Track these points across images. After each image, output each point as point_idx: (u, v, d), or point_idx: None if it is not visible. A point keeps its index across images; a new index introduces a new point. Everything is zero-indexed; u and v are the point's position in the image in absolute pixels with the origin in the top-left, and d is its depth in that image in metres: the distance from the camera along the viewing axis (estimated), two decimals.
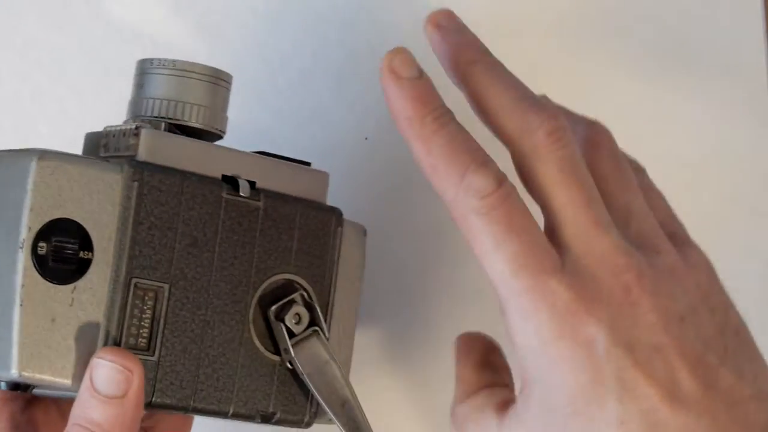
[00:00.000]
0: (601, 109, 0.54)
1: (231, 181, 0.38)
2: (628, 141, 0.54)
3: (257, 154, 0.40)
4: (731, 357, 0.36)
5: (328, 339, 0.39)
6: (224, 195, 0.38)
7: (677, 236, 0.39)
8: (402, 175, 0.50)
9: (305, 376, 0.38)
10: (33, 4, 0.48)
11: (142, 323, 0.36)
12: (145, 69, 0.41)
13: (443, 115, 0.36)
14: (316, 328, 0.39)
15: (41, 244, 0.35)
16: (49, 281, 0.35)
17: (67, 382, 0.35)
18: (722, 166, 0.55)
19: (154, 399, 0.36)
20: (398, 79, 0.36)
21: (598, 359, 0.34)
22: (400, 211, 0.51)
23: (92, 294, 0.36)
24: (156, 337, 0.36)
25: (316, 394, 0.38)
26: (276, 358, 0.38)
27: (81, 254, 0.36)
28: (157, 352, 0.36)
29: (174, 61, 0.40)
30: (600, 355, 0.34)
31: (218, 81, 0.41)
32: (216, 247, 0.38)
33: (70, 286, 0.35)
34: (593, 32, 0.54)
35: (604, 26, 0.54)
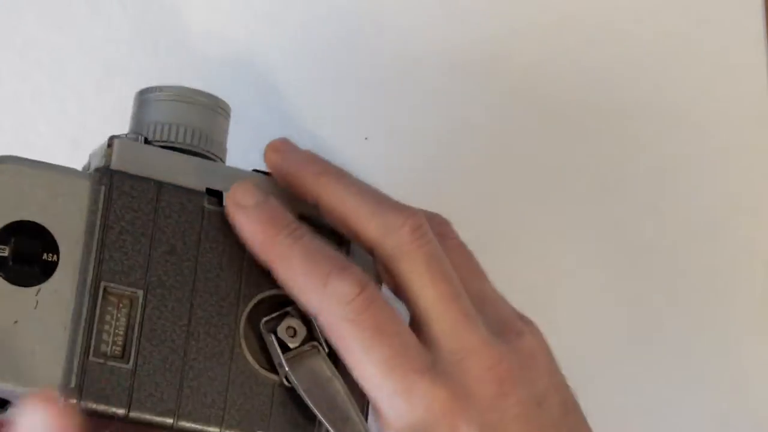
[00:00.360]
0: (600, 109, 0.55)
1: (215, 194, 0.38)
2: (628, 140, 0.54)
3: (252, 172, 0.40)
4: None
5: (328, 353, 0.37)
6: (206, 206, 0.37)
7: (520, 314, 0.39)
8: (402, 176, 0.50)
9: (303, 391, 0.36)
10: (33, 4, 0.48)
11: (116, 330, 0.35)
12: (139, 97, 0.40)
13: (295, 231, 0.36)
14: (315, 342, 0.37)
15: (1, 246, 0.34)
16: (10, 283, 0.34)
17: (27, 389, 0.33)
18: (722, 166, 0.55)
19: (131, 411, 0.35)
20: (243, 209, 0.36)
21: None
22: None
23: (58, 297, 0.34)
24: (131, 345, 0.35)
25: (315, 410, 0.36)
26: (274, 377, 0.37)
27: (45, 256, 0.35)
28: (132, 360, 0.35)
29: (168, 87, 0.40)
30: None
31: (215, 108, 0.40)
32: (198, 257, 0.36)
33: (34, 289, 0.34)
34: (593, 32, 0.54)
35: (604, 26, 0.54)
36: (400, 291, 0.37)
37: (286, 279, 0.36)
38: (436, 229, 0.38)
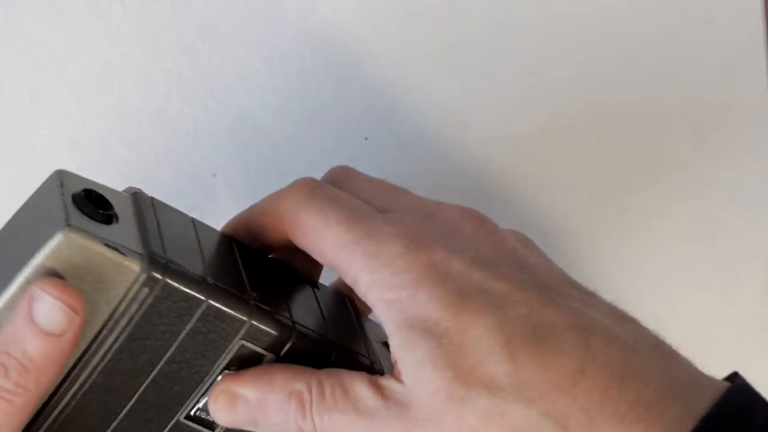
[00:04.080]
0: (600, 110, 0.55)
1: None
2: (627, 140, 0.54)
3: None
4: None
5: None
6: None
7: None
8: (402, 176, 0.50)
9: None
10: (33, 4, 0.48)
11: None
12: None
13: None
14: None
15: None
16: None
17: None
18: (722, 166, 0.55)
19: None
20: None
21: (454, 276, 0.34)
22: None
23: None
24: None
25: None
26: None
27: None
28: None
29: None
30: (456, 272, 0.34)
31: None
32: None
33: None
34: (593, 32, 0.54)
35: (604, 27, 0.54)
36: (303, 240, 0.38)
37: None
38: (336, 178, 0.40)
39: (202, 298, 0.35)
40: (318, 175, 0.40)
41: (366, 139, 0.52)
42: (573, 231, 0.53)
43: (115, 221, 0.35)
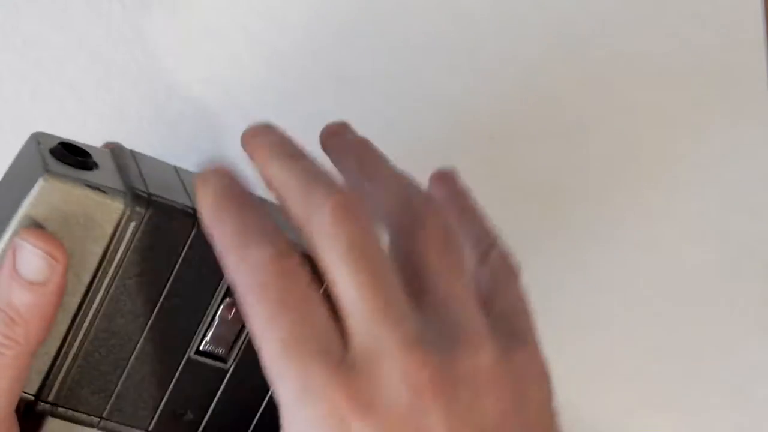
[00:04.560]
0: (600, 109, 0.55)
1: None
2: (627, 140, 0.54)
3: None
4: None
5: None
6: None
7: (515, 333, 0.33)
8: None
9: None
10: (33, 4, 0.48)
11: None
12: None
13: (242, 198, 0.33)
14: None
15: None
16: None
17: None
18: (722, 166, 0.55)
19: None
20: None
21: None
22: None
23: None
24: None
25: None
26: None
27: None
28: None
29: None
30: None
31: None
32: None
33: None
34: (593, 33, 0.54)
35: (604, 27, 0.54)
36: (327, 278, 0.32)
37: (216, 237, 0.33)
38: (417, 208, 0.34)
39: (190, 227, 0.35)
40: None
41: None
42: (573, 231, 0.53)
43: (95, 168, 0.36)
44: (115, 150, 0.38)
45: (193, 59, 0.50)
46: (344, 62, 0.52)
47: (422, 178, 0.51)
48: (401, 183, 0.36)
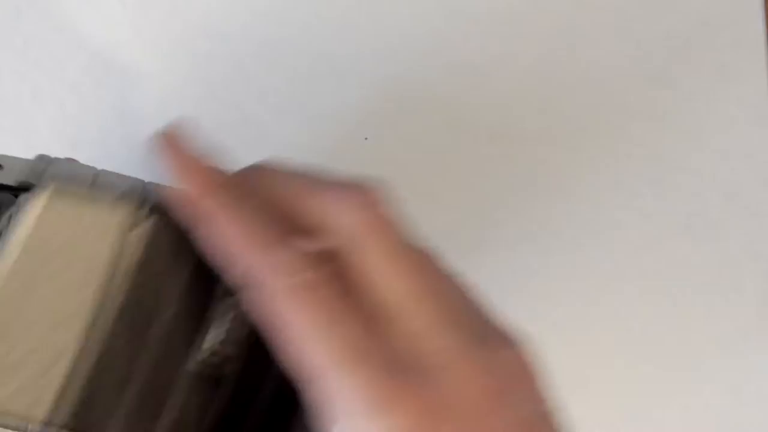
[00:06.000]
0: (600, 109, 0.55)
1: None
2: (628, 139, 0.54)
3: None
4: None
5: None
6: None
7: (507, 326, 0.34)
8: (402, 176, 0.50)
9: None
10: (33, 4, 0.48)
11: None
12: None
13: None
14: None
15: None
16: None
17: None
18: (722, 166, 0.55)
19: None
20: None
21: None
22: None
23: None
24: None
25: None
26: None
27: None
28: None
29: None
30: None
31: None
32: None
33: None
34: (593, 33, 0.54)
35: (604, 27, 0.54)
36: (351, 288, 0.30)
37: (228, 237, 0.31)
38: (358, 227, 0.31)
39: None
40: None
41: (366, 139, 0.52)
42: (572, 231, 0.53)
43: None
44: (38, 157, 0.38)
45: (193, 58, 0.50)
46: (343, 61, 0.52)
47: (422, 177, 0.51)
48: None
